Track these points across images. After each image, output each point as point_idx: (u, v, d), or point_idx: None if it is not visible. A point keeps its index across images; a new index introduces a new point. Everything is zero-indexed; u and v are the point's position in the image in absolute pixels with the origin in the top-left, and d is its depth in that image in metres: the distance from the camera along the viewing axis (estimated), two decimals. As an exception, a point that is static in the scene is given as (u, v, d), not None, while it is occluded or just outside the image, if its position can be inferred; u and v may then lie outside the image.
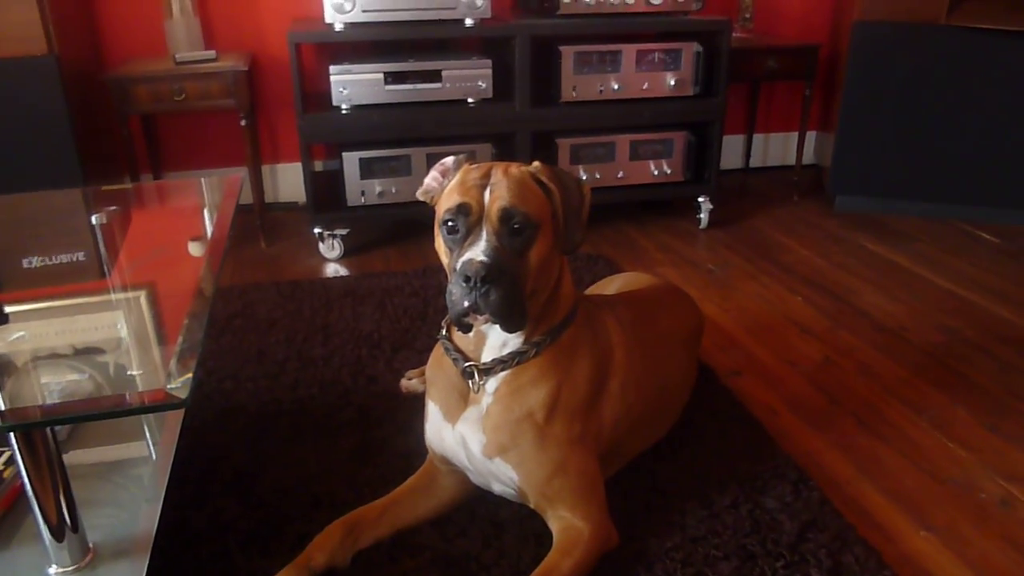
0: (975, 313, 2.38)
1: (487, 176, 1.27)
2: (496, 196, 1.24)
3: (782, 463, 1.64)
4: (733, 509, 1.52)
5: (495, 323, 1.25)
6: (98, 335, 1.43)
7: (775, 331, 2.27)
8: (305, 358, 2.05)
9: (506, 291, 1.20)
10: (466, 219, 1.24)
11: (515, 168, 1.30)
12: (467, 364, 1.36)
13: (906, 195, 3.18)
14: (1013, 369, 2.06)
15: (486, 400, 1.36)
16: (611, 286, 1.92)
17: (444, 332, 1.43)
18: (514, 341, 1.34)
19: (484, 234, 1.22)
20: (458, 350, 1.39)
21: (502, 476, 1.38)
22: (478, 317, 1.23)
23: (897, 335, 2.25)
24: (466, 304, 1.20)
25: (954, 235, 3.01)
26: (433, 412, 1.46)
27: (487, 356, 1.35)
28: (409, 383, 1.91)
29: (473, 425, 1.37)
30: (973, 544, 1.48)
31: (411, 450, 1.65)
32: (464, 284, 1.19)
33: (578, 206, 1.33)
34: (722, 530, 1.46)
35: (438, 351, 1.46)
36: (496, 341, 1.34)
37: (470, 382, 1.37)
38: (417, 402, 1.82)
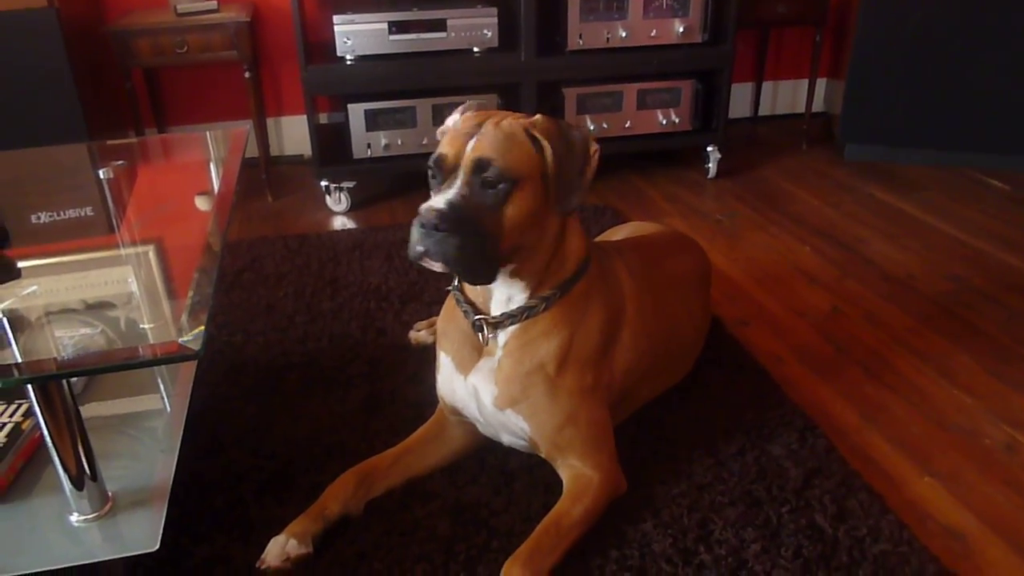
0: (983, 261, 2.37)
1: (479, 126, 1.25)
2: (475, 146, 1.22)
3: (788, 411, 1.66)
4: (739, 457, 1.54)
5: (451, 272, 1.24)
6: (109, 290, 1.44)
7: (783, 281, 2.27)
8: (314, 311, 2.06)
9: (463, 241, 1.18)
10: (442, 168, 1.24)
11: (509, 120, 1.27)
12: (477, 317, 1.37)
13: (916, 143, 3.14)
14: (1020, 317, 2.06)
15: (498, 352, 1.37)
16: (616, 235, 1.91)
17: (456, 283, 1.43)
18: (519, 296, 1.34)
19: (456, 183, 1.21)
20: (469, 302, 1.39)
21: (513, 427, 1.40)
22: (433, 264, 1.21)
23: (905, 284, 2.24)
24: (419, 249, 1.20)
25: (964, 183, 2.98)
26: (445, 363, 1.47)
27: (495, 310, 1.36)
28: (418, 335, 1.92)
29: (485, 376, 1.38)
30: (976, 489, 1.50)
31: (421, 400, 1.67)
32: (421, 228, 1.19)
33: (580, 166, 1.28)
34: (728, 477, 1.48)
35: (450, 303, 1.47)
36: (501, 295, 1.35)
37: (480, 335, 1.38)
38: (426, 353, 1.84)
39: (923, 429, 1.66)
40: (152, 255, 1.56)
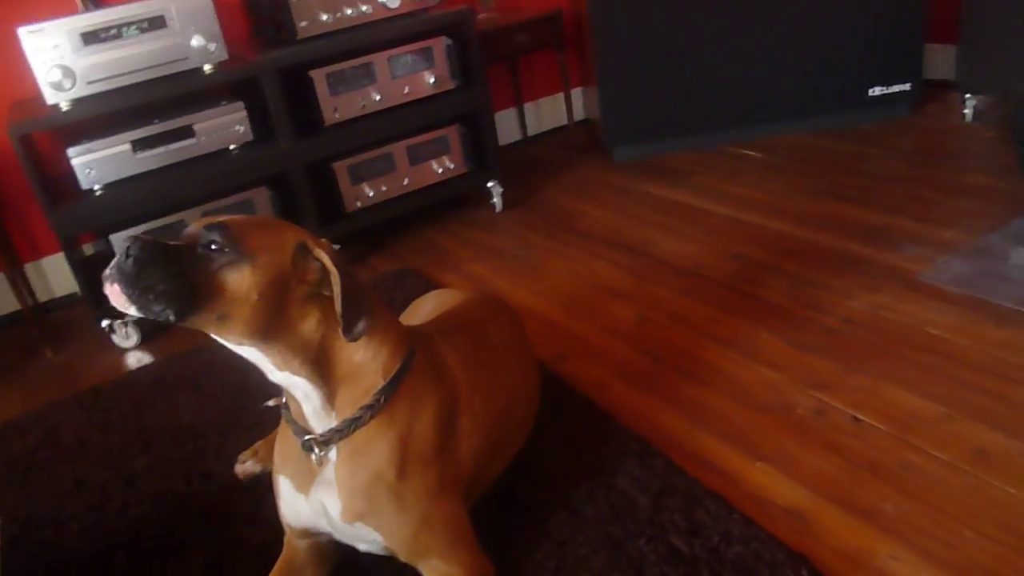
0: (757, 234, 2.57)
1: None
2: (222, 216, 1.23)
3: (624, 439, 1.71)
4: (590, 500, 1.57)
5: (126, 290, 1.13)
6: None
7: (588, 302, 2.35)
8: (127, 474, 1.90)
9: (150, 255, 1.13)
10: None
11: (294, 229, 1.27)
12: (307, 437, 1.32)
13: (675, 132, 3.37)
14: (800, 280, 2.25)
15: (331, 462, 1.32)
16: (421, 309, 1.88)
17: (284, 402, 1.38)
18: (327, 411, 1.30)
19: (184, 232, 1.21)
20: (295, 421, 1.34)
21: (366, 538, 1.36)
22: (111, 286, 1.14)
23: (696, 275, 2.39)
24: (108, 269, 1.14)
25: (725, 161, 3.22)
26: (284, 486, 1.40)
27: (313, 423, 1.31)
28: (244, 467, 1.82)
29: (328, 489, 1.33)
30: (802, 462, 1.61)
31: (266, 542, 1.58)
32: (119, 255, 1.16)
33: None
34: (585, 525, 1.51)
35: (283, 424, 1.41)
36: (309, 408, 1.30)
37: (312, 456, 1.33)
38: (258, 487, 1.75)
39: (743, 416, 1.77)
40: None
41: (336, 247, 1.28)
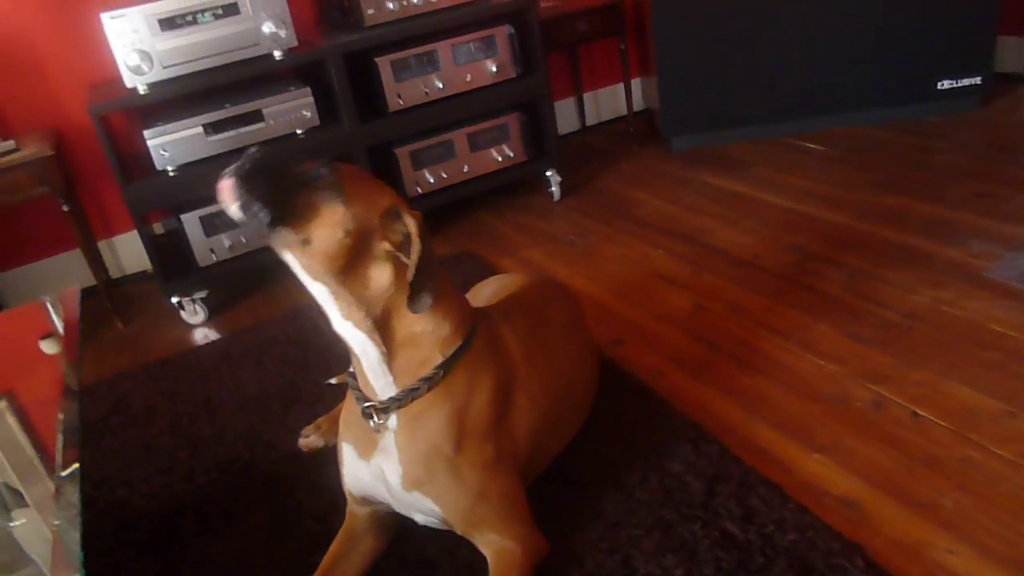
0: (816, 226, 2.54)
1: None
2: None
3: (678, 424, 1.73)
4: (644, 483, 1.59)
5: (236, 187, 1.21)
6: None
7: (644, 290, 2.36)
8: (195, 441, 1.98)
9: (266, 165, 1.22)
10: None
11: (393, 195, 1.33)
12: (367, 404, 1.37)
13: (734, 123, 3.34)
14: (859, 273, 2.22)
15: (391, 429, 1.37)
16: (483, 292, 1.92)
17: (351, 369, 1.43)
18: (384, 372, 1.35)
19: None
20: (359, 389, 1.40)
21: (423, 508, 1.40)
22: (226, 180, 1.22)
23: (754, 265, 2.38)
24: (229, 168, 1.23)
25: (785, 152, 3.18)
26: (348, 453, 1.46)
27: (374, 385, 1.36)
28: (308, 440, 1.88)
29: (388, 456, 1.38)
30: (858, 453, 1.61)
31: (326, 512, 1.64)
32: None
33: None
34: (638, 507, 1.53)
35: (350, 394, 1.47)
36: (366, 364, 1.35)
37: (371, 422, 1.38)
38: (320, 459, 1.81)
39: (799, 406, 1.76)
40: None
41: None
